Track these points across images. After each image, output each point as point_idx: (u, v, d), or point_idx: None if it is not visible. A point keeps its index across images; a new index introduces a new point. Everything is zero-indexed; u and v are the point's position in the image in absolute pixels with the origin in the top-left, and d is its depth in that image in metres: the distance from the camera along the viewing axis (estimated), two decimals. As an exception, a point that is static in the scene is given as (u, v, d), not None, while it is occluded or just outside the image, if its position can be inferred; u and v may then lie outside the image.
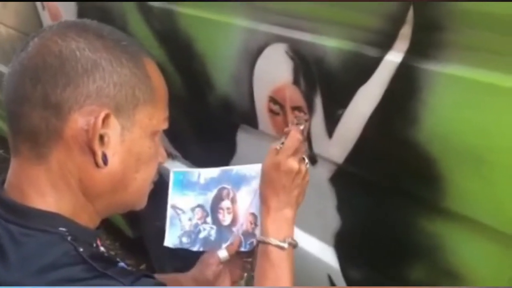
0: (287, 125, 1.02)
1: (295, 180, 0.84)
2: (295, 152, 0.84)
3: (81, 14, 1.50)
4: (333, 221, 1.08)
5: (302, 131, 0.89)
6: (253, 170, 0.91)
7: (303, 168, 0.85)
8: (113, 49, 0.60)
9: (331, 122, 0.93)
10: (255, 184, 0.90)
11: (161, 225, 0.94)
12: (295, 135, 0.85)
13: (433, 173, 0.79)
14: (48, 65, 0.57)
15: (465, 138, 0.72)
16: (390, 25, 0.74)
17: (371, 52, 0.79)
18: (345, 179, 1.01)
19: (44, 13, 1.72)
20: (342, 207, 1.05)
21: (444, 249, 0.86)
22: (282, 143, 0.84)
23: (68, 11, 1.53)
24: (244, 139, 1.22)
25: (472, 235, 0.81)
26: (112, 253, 2.23)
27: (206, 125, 1.33)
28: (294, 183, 0.84)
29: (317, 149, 1.00)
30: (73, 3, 1.51)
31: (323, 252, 1.14)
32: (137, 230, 1.92)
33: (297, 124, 0.93)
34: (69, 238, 0.57)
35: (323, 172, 1.03)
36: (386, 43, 0.76)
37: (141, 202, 0.69)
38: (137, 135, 0.62)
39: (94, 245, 0.64)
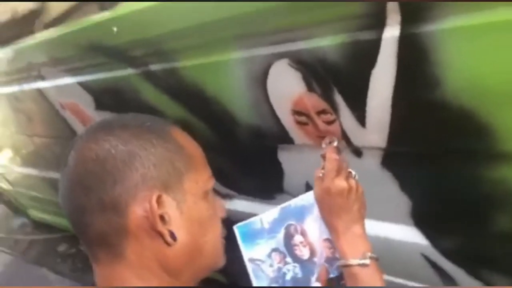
0: (319, 130, 1.02)
1: (350, 197, 0.83)
2: (338, 172, 0.84)
3: (97, 101, 1.56)
4: (403, 202, 1.06)
5: (336, 149, 0.88)
6: (309, 197, 0.91)
7: (352, 182, 0.84)
8: (140, 134, 0.63)
9: (359, 112, 0.92)
10: (317, 210, 0.90)
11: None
12: (331, 156, 0.85)
13: (475, 124, 0.77)
14: (91, 172, 0.60)
15: (489, 80, 0.70)
16: (375, 5, 0.73)
17: (368, 35, 0.78)
18: (395, 159, 0.99)
19: (65, 112, 1.80)
20: (405, 186, 1.03)
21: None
22: (323, 168, 0.85)
23: (86, 102, 1.60)
24: (286, 157, 1.22)
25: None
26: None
27: (247, 158, 1.34)
28: (350, 200, 0.83)
29: (357, 141, 0.99)
30: (88, 95, 1.57)
31: (408, 235, 1.12)
32: (230, 276, 1.95)
33: (330, 143, 0.92)
34: None
35: (372, 161, 1.02)
36: (378, 23, 0.75)
37: (220, 260, 0.71)
38: (192, 202, 0.65)
39: None
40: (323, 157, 0.88)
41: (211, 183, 0.70)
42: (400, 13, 0.72)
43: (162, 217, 0.61)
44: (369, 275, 0.80)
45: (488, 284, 1.05)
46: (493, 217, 0.93)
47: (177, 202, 0.63)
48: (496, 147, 0.78)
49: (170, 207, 0.62)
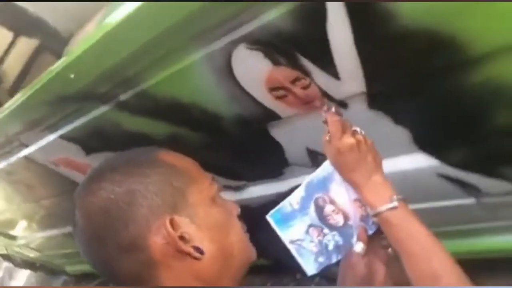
0: (299, 98, 1.02)
1: (361, 150, 0.83)
2: (343, 131, 0.84)
3: (85, 147, 1.57)
4: (402, 133, 1.07)
5: (336, 112, 0.89)
6: (327, 166, 0.92)
7: (360, 137, 0.84)
8: (131, 171, 0.65)
9: (330, 67, 0.92)
10: (338, 176, 0.91)
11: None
12: (333, 119, 0.86)
13: (441, 41, 0.77)
14: (100, 225, 0.62)
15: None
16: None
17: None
18: (380, 98, 1.00)
19: (60, 168, 1.81)
20: (398, 119, 1.04)
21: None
22: (329, 132, 0.86)
23: (75, 152, 1.60)
24: (279, 133, 1.23)
25: None
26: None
27: (244, 146, 1.35)
28: (362, 152, 0.83)
29: (338, 95, 1.00)
30: (73, 145, 1.58)
31: (419, 161, 1.14)
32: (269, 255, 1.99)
33: (328, 108, 0.93)
34: None
35: (359, 108, 1.02)
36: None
37: (251, 254, 0.73)
38: (203, 213, 0.66)
39: None
40: (326, 122, 0.89)
41: (214, 187, 0.71)
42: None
43: (182, 237, 0.62)
44: (401, 217, 0.80)
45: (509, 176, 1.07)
46: (490, 115, 0.94)
47: (190, 217, 0.64)
48: (467, 54, 0.79)
49: (186, 225, 0.63)
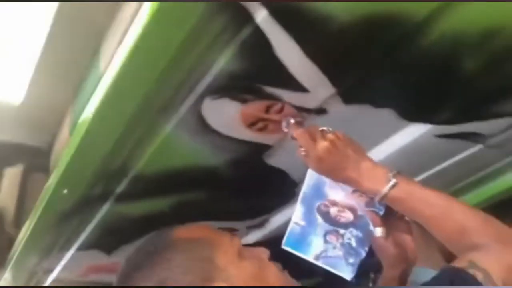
0: (278, 122, 1.04)
1: (339, 147, 0.84)
2: (313, 139, 0.85)
3: (104, 249, 1.57)
4: (388, 113, 1.08)
5: (297, 123, 0.90)
6: (312, 175, 0.93)
7: (330, 136, 0.85)
8: (154, 261, 0.66)
9: (294, 85, 0.93)
10: (326, 178, 0.92)
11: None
12: (298, 132, 0.87)
13: (383, 20, 0.79)
14: None
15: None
16: (232, 10, 0.75)
17: (247, 31, 0.80)
18: (351, 91, 1.00)
19: (91, 276, 1.81)
20: (379, 102, 1.05)
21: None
22: (301, 146, 0.87)
23: (97, 257, 1.61)
24: (277, 160, 1.24)
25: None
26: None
27: (249, 184, 1.36)
28: (340, 149, 0.84)
29: (313, 105, 1.01)
30: (93, 250, 1.58)
31: (411, 132, 1.15)
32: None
33: (287, 124, 0.95)
34: None
35: (338, 107, 1.02)
36: (246, 16, 0.77)
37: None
38: (236, 270, 0.67)
39: None
40: (294, 138, 0.90)
41: (236, 241, 0.72)
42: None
43: None
44: (405, 189, 0.81)
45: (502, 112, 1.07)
46: (459, 64, 0.94)
47: (225, 281, 0.65)
48: (410, 22, 0.80)
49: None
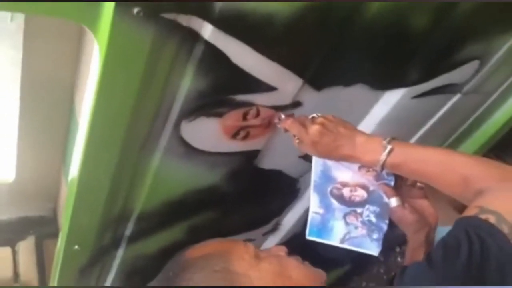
0: (260, 126, 1.06)
1: (330, 127, 0.87)
2: (304, 127, 0.88)
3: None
4: (360, 89, 1.10)
5: (287, 116, 0.93)
6: (316, 161, 0.95)
7: (320, 119, 0.88)
8: (174, 284, 0.68)
9: (261, 87, 0.95)
10: (330, 161, 0.93)
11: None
12: (288, 123, 0.92)
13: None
14: None
15: None
16: (182, 34, 0.77)
17: (199, 49, 0.81)
18: (319, 77, 1.02)
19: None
20: (345, 81, 1.07)
21: None
22: (294, 135, 0.91)
23: None
24: (269, 162, 1.26)
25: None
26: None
27: (251, 192, 1.38)
28: (332, 129, 0.87)
29: (286, 101, 1.02)
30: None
31: (390, 100, 1.17)
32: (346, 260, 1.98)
33: (279, 119, 0.98)
34: None
35: (311, 96, 1.05)
36: (193, 33, 0.79)
37: (320, 278, 0.76)
38: (257, 274, 0.69)
39: None
40: (286, 130, 0.92)
41: (250, 246, 0.73)
42: (198, 14, 0.75)
43: None
44: (402, 152, 0.82)
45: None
46: (409, 24, 0.96)
47: (250, 285, 0.66)
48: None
49: None
